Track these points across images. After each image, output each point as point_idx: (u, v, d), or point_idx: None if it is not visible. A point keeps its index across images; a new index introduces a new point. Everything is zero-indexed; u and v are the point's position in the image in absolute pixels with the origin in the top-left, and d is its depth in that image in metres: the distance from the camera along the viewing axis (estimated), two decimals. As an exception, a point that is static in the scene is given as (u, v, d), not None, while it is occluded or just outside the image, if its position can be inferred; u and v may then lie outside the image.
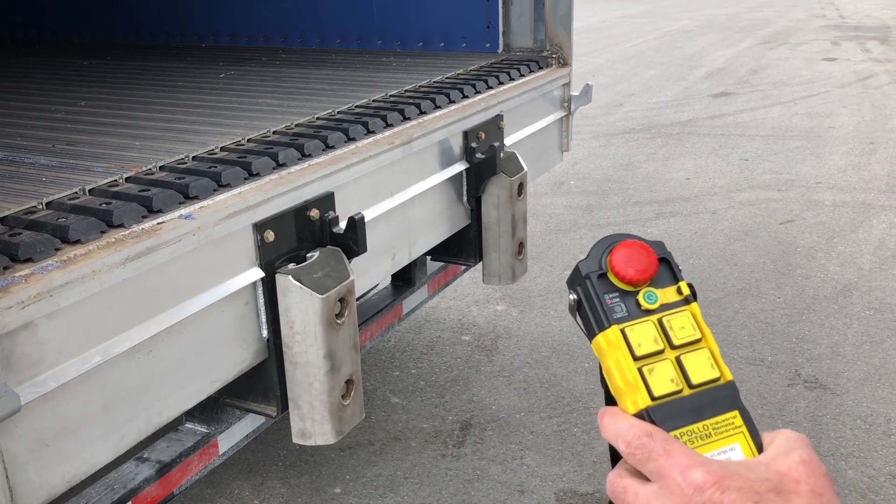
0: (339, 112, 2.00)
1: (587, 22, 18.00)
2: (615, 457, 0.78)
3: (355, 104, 2.07)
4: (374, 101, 2.14)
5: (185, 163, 1.55)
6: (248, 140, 1.72)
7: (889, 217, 4.74)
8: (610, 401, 0.77)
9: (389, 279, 2.51)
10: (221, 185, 1.46)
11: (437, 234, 2.15)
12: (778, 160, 6.00)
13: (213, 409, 1.69)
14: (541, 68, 2.84)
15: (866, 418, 2.86)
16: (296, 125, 1.85)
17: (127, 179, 1.44)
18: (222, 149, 1.65)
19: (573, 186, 5.54)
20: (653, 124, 7.34)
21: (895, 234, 4.48)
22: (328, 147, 1.76)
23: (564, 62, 2.95)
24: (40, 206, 1.29)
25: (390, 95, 2.21)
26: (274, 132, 1.79)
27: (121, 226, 1.25)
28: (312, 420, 1.51)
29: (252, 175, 1.53)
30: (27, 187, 1.40)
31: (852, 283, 3.90)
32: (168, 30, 3.46)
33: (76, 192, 1.36)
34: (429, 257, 2.48)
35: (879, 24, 15.78)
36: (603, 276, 0.75)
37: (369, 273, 1.84)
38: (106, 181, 1.41)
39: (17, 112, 2.10)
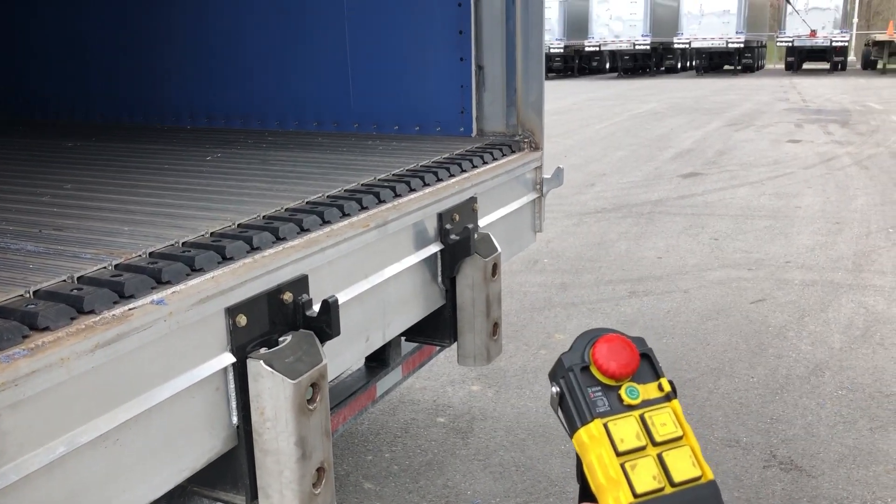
0: (327, 196, 2.00)
1: (559, 104, 18.51)
2: None
3: (344, 188, 2.08)
4: (361, 184, 2.16)
5: (180, 249, 1.53)
6: (239, 225, 1.71)
7: (857, 296, 4.83)
8: (585, 496, 0.76)
9: (363, 360, 2.49)
10: (195, 269, 1.46)
11: (412, 315, 2.15)
12: (747, 239, 6.11)
13: (180, 498, 1.64)
14: (513, 152, 2.90)
15: (842, 501, 2.84)
16: (285, 209, 1.85)
17: (116, 266, 1.42)
18: (212, 234, 1.64)
19: (547, 265, 5.58)
20: (624, 204, 7.48)
21: (863, 314, 4.56)
22: (303, 230, 1.77)
23: (536, 146, 3.02)
24: (27, 295, 1.27)
25: (374, 179, 2.23)
26: (264, 217, 1.79)
27: (91, 312, 1.24)
28: (282, 510, 1.47)
29: (226, 259, 1.53)
30: (14, 275, 1.37)
31: (824, 362, 3.94)
32: (146, 110, 3.51)
33: (64, 280, 1.33)
34: (403, 338, 2.47)
35: (839, 107, 16.38)
36: (586, 369, 0.76)
37: (342, 356, 1.82)
38: (95, 268, 1.39)
39: (0, 195, 2.08)
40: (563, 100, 20.00)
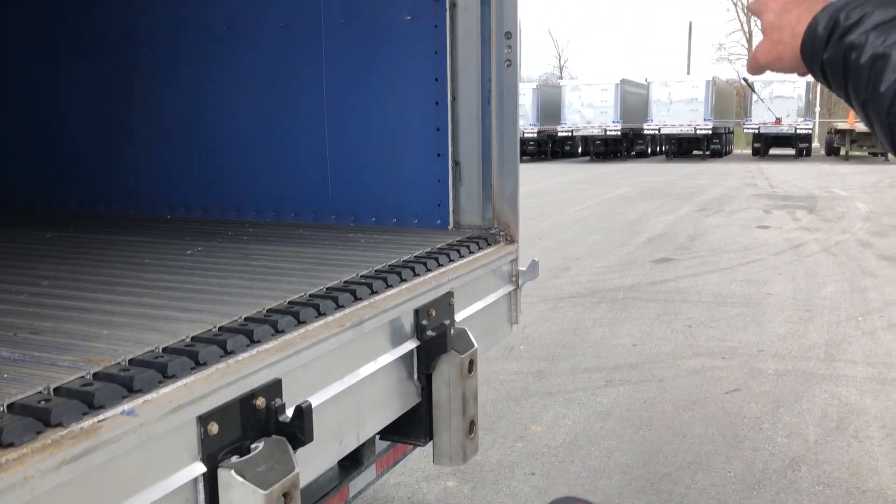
0: (310, 294, 1.98)
1: (533, 187, 18.81)
2: None
3: (326, 286, 2.06)
4: (343, 280, 2.14)
5: (156, 355, 1.50)
6: (220, 328, 1.68)
7: (830, 387, 4.85)
8: None
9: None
10: (167, 376, 1.43)
11: (387, 414, 2.12)
12: (720, 327, 6.16)
13: None
14: (489, 245, 2.93)
15: None
16: (267, 311, 1.83)
17: (95, 375, 1.38)
18: (193, 339, 1.61)
19: (523, 351, 5.57)
20: (598, 289, 7.54)
21: (837, 405, 4.57)
22: (278, 331, 1.75)
23: (511, 239, 3.05)
24: (2, 410, 1.23)
25: (356, 275, 2.21)
26: (246, 318, 1.76)
27: (59, 425, 1.20)
28: None
29: (199, 364, 1.51)
30: (-13, 386, 1.33)
31: (800, 455, 3.92)
32: (124, 199, 3.51)
33: (41, 392, 1.29)
34: (377, 436, 2.42)
35: (806, 194, 16.81)
36: None
37: (315, 461, 1.78)
38: (73, 378, 1.35)
39: (-24, 294, 2.03)
40: (537, 183, 20.35)
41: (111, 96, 3.51)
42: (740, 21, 51.03)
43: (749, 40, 50.81)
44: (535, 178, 21.69)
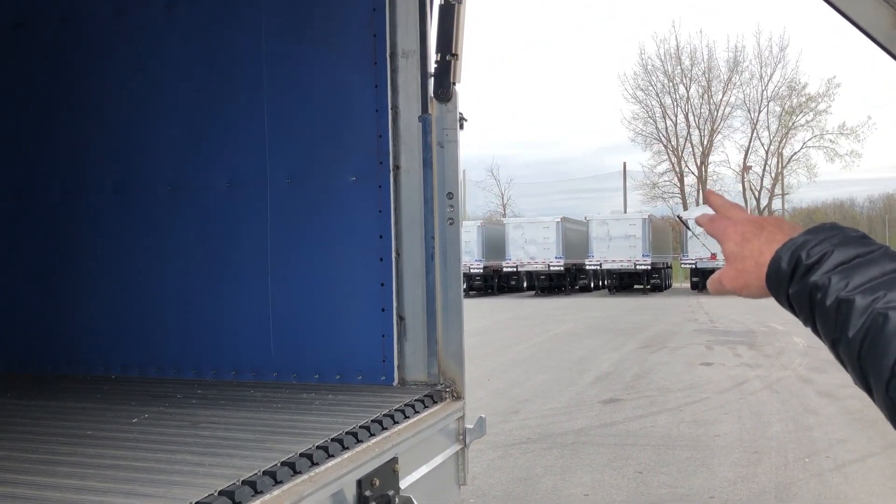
0: (263, 472, 1.88)
1: (481, 323, 18.83)
2: None
3: (281, 460, 1.97)
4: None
5: None
6: None
7: (784, 535, 4.77)
8: None
9: None
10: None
11: None
12: (671, 472, 6.07)
13: None
14: (435, 402, 2.88)
15: None
16: (218, 493, 1.73)
17: None
18: None
19: (472, 505, 5.38)
20: (548, 433, 7.43)
21: (792, 555, 4.48)
22: (212, 519, 1.65)
23: (458, 395, 3.01)
24: None
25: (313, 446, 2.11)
26: None
27: None
28: None
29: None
30: None
31: None
32: (55, 359, 3.37)
33: None
34: None
35: (745, 328, 17.18)
36: None
37: None
38: None
39: None
40: (484, 318, 20.41)
41: (45, 253, 3.45)
42: (671, 162, 53.75)
43: (680, 179, 53.33)
44: (482, 315, 21.79)
